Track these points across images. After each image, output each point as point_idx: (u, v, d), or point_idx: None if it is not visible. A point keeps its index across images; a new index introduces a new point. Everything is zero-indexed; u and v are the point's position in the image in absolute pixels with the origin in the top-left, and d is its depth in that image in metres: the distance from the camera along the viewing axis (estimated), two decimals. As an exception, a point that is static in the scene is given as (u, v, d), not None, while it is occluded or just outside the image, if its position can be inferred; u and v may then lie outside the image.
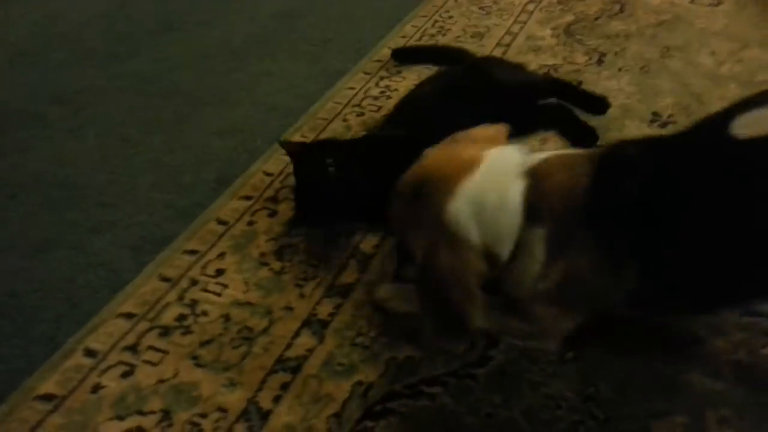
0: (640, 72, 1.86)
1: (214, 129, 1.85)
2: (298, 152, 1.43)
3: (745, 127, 0.77)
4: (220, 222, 1.46)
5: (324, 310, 1.21)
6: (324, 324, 1.18)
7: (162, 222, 1.49)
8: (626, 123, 1.64)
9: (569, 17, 2.22)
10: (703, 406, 0.98)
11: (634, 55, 1.95)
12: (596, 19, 2.19)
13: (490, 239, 0.92)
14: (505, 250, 0.93)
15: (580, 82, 1.82)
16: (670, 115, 1.65)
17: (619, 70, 1.88)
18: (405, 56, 2.07)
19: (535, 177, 0.94)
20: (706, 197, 0.83)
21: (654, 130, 1.60)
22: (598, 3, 2.30)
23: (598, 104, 1.65)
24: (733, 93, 1.70)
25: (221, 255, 1.36)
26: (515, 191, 0.93)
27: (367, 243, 1.36)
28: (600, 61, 1.93)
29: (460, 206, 0.92)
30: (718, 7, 2.19)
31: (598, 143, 1.56)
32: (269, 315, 1.21)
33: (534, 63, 1.95)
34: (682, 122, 1.61)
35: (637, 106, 1.71)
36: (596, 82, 1.83)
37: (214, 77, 2.16)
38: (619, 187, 0.89)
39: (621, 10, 2.23)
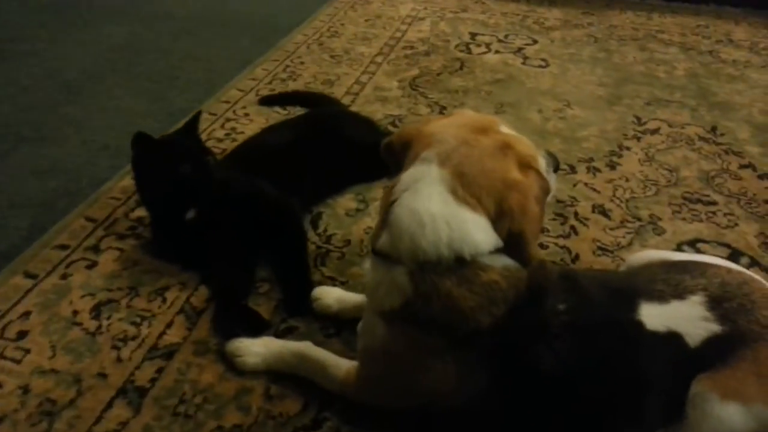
0: (477, 126, 1.97)
1: (33, 168, 1.68)
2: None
3: (650, 317, 0.91)
4: (28, 275, 1.30)
5: (143, 376, 1.10)
6: (142, 392, 1.08)
7: (-44, 276, 1.30)
8: (463, 175, 1.72)
9: (414, 71, 2.32)
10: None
11: (472, 110, 2.05)
12: (438, 74, 2.30)
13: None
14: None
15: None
16: (502, 168, 1.76)
17: (459, 123, 1.98)
18: (271, 101, 2.05)
19: None
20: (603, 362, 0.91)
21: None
22: (440, 60, 2.43)
23: None
24: (557, 147, 1.85)
25: (25, 315, 1.21)
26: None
27: (199, 297, 1.28)
28: (441, 114, 2.02)
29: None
30: (546, 69, 2.40)
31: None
32: (78, 384, 1.08)
33: (380, 113, 2.00)
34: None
35: (474, 158, 1.80)
36: (437, 134, 1.90)
37: (39, 112, 1.97)
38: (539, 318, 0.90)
39: (461, 68, 2.36)
